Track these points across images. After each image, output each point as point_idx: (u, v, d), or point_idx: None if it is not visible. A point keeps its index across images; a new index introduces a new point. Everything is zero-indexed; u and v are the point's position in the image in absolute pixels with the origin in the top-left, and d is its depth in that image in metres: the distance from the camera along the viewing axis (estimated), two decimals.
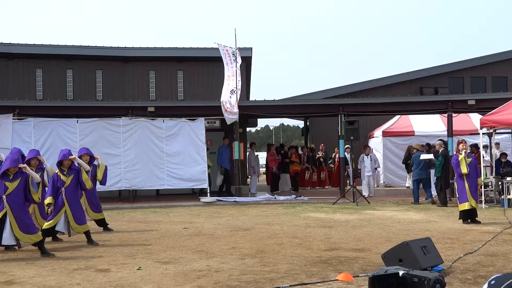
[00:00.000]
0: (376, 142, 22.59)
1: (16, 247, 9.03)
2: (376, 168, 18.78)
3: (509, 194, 14.82)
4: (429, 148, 17.15)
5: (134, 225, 12.50)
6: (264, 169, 25.10)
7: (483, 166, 15.89)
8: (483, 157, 16.74)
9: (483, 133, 15.91)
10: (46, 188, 9.93)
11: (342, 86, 27.04)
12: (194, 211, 15.30)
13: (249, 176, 20.97)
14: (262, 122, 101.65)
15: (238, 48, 18.45)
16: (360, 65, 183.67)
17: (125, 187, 17.67)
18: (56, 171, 9.82)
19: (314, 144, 24.79)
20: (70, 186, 9.77)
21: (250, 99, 24.51)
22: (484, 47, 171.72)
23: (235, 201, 17.27)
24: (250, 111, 19.06)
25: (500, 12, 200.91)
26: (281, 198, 17.75)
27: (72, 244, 9.90)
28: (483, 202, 14.68)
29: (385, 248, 8.13)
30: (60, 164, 9.80)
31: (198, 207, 16.27)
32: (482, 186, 14.76)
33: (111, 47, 22.77)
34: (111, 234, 11.11)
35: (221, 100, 17.74)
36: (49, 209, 9.56)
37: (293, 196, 18.07)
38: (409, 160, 17.95)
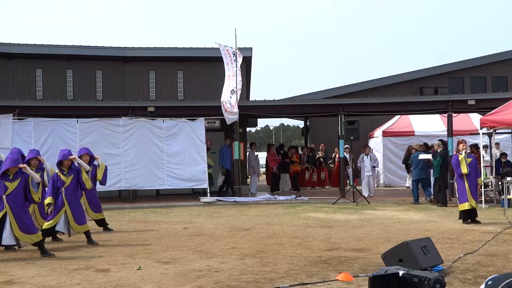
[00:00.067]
0: (376, 142, 22.59)
1: (16, 247, 9.03)
2: (374, 167, 18.69)
3: (509, 194, 14.82)
4: (426, 148, 17.14)
5: (134, 225, 12.50)
6: (264, 169, 25.09)
7: (483, 166, 15.89)
8: (483, 157, 16.74)
9: (483, 133, 15.91)
10: (46, 188, 9.93)
11: (342, 86, 27.04)
12: (194, 211, 15.30)
13: (249, 176, 20.98)
14: (262, 122, 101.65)
15: (238, 48, 18.45)
16: (360, 65, 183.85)
17: (125, 187, 17.67)
18: (56, 171, 9.82)
19: (314, 144, 24.79)
20: (70, 186, 9.77)
21: (250, 99, 24.52)
22: (484, 47, 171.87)
23: (235, 201, 17.27)
24: (250, 111, 19.06)
25: (500, 12, 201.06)
26: (281, 198, 17.75)
27: (72, 244, 9.90)
28: (483, 202, 14.68)
29: (385, 248, 8.12)
30: (60, 164, 9.80)
31: (198, 207, 16.27)
32: (482, 186, 14.76)
33: (111, 47, 22.78)
34: (111, 234, 11.11)
35: (221, 100, 17.74)
36: (49, 209, 9.56)
37: (293, 196, 18.08)
38: (409, 160, 17.95)
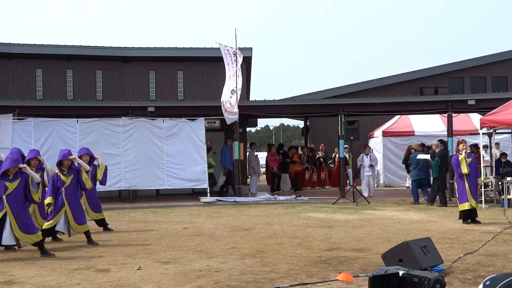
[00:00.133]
0: (376, 142, 22.59)
1: (16, 247, 9.03)
2: (371, 165, 18.63)
3: (509, 194, 14.82)
4: (423, 148, 17.13)
5: (134, 225, 12.50)
6: (264, 169, 25.11)
7: (483, 166, 15.89)
8: (483, 157, 16.74)
9: (483, 133, 15.92)
10: (46, 188, 9.94)
11: (342, 86, 27.05)
12: (194, 211, 15.30)
13: (249, 176, 20.98)
14: (262, 122, 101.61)
15: (238, 48, 18.45)
16: (360, 65, 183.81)
17: (125, 187, 17.67)
18: (56, 171, 9.83)
19: (314, 144, 24.79)
20: (70, 186, 9.77)
21: (250, 99, 24.53)
22: (484, 47, 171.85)
23: (235, 201, 17.27)
24: (250, 111, 19.06)
25: (500, 12, 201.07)
26: (281, 198, 17.76)
27: (72, 244, 9.90)
28: (483, 202, 14.68)
29: (385, 248, 8.12)
30: (60, 164, 9.80)
31: (198, 207, 16.27)
32: (482, 186, 14.77)
33: (111, 47, 22.78)
34: (111, 234, 11.11)
35: (221, 100, 17.74)
36: (49, 209, 9.56)
37: (293, 196, 18.08)
38: (408, 160, 17.95)
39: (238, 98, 17.91)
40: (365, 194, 18.02)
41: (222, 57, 18.47)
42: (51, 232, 9.91)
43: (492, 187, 15.98)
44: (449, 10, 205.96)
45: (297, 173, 21.68)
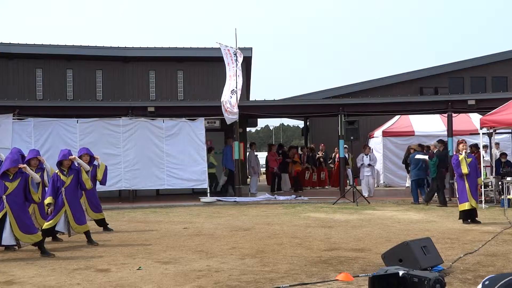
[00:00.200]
0: (376, 142, 22.59)
1: (16, 247, 9.03)
2: (369, 164, 18.57)
3: (509, 194, 14.82)
4: (421, 149, 17.13)
5: (134, 225, 12.50)
6: (264, 169, 25.11)
7: (483, 166, 15.90)
8: (483, 157, 16.74)
9: (483, 133, 15.92)
10: (46, 188, 9.94)
11: (342, 86, 27.05)
12: (194, 211, 15.30)
13: (249, 176, 20.98)
14: (262, 122, 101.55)
15: (238, 48, 18.45)
16: (360, 65, 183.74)
17: (125, 187, 17.67)
18: (56, 171, 9.83)
19: (314, 144, 24.80)
20: (70, 186, 9.77)
21: (250, 99, 24.52)
22: (484, 47, 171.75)
23: (235, 201, 17.27)
24: (250, 111, 19.06)
25: (500, 12, 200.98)
26: (281, 198, 17.75)
27: (72, 244, 9.90)
28: (483, 202, 14.68)
29: (385, 248, 8.13)
30: (60, 164, 9.80)
31: (198, 207, 16.27)
32: (482, 186, 14.77)
33: (111, 47, 22.78)
34: (111, 234, 11.11)
35: (221, 100, 17.74)
36: (49, 209, 9.56)
37: (293, 196, 18.08)
38: (408, 160, 17.95)
39: (238, 98, 17.91)
40: (365, 194, 18.02)
41: (222, 57, 18.47)
42: (51, 232, 9.91)
43: (492, 187, 15.98)
44: (449, 10, 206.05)
45: (298, 173, 21.68)
